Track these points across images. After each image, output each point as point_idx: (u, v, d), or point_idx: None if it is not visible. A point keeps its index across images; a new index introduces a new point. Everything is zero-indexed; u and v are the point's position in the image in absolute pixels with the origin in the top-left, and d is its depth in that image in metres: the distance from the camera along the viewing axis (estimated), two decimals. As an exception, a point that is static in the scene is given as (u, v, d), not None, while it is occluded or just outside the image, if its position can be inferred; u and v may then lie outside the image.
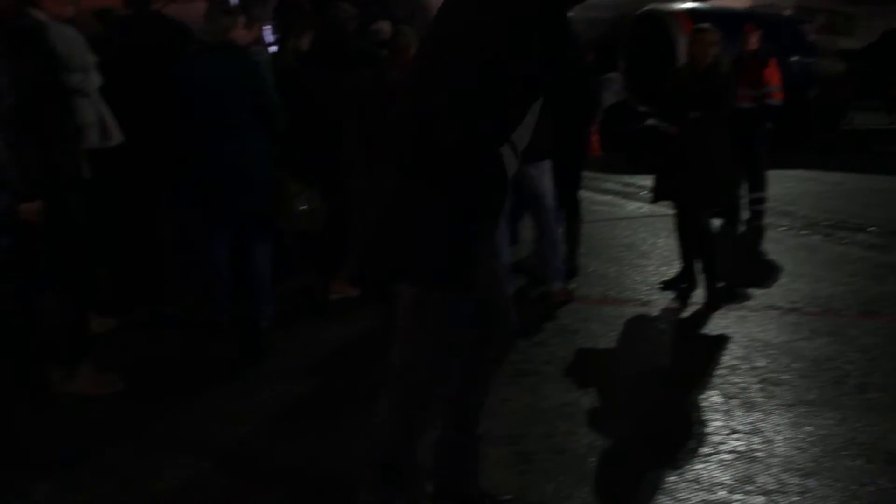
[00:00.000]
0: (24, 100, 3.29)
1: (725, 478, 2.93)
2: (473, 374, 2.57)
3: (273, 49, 5.79)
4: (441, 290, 2.24)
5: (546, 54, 2.22)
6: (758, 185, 6.78)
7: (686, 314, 4.87)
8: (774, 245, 6.29)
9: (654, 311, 4.91)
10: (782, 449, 3.14)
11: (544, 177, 4.90)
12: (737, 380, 3.81)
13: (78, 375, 3.65)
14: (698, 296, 5.01)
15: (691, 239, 5.06)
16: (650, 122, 6.09)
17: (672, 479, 2.93)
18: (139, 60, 4.45)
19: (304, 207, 4.75)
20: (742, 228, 6.67)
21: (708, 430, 3.32)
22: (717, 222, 5.10)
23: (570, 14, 2.43)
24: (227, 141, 4.21)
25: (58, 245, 3.46)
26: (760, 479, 2.92)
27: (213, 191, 4.31)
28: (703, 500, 2.78)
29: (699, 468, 3.00)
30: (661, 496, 2.82)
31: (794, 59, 9.64)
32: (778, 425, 3.34)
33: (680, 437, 3.28)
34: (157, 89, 4.39)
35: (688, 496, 2.81)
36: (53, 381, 3.65)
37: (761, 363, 4.00)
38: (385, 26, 5.52)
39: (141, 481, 2.97)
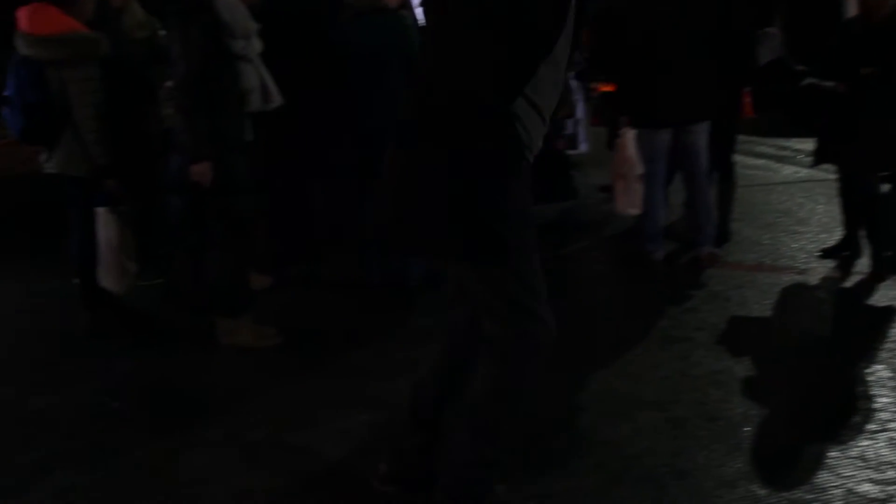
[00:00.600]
0: (193, 67, 3.49)
1: (895, 457, 2.75)
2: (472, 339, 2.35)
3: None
4: (484, 264, 2.10)
5: None
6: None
7: (848, 284, 4.59)
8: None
9: (813, 280, 4.65)
10: (960, 429, 2.92)
11: (701, 138, 4.76)
12: (907, 354, 3.57)
13: (240, 328, 3.87)
14: (862, 265, 4.71)
15: (856, 204, 4.75)
16: (810, 80, 5.74)
17: (834, 454, 2.77)
18: (296, 27, 4.59)
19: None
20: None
21: (875, 406, 3.12)
22: (884, 187, 4.73)
23: None
24: (380, 103, 4.30)
25: (223, 205, 3.66)
26: (934, 459, 2.73)
27: (367, 153, 4.42)
28: (870, 479, 2.62)
29: (865, 445, 2.83)
30: (822, 472, 2.68)
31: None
32: (955, 404, 3.11)
33: (843, 412, 3.10)
34: (312, 54, 4.53)
35: (852, 473, 2.66)
36: (218, 333, 3.89)
37: (934, 337, 3.73)
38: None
39: (294, 427, 3.10)
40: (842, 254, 4.88)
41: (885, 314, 4.08)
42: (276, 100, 3.83)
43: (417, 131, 2.11)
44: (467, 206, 2.02)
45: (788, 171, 7.36)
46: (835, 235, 5.04)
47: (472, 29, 2.02)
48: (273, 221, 4.92)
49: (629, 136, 4.69)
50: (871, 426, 2.97)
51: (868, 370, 3.44)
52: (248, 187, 3.74)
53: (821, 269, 4.78)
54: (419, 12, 5.03)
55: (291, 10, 4.70)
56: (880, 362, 3.50)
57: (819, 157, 4.81)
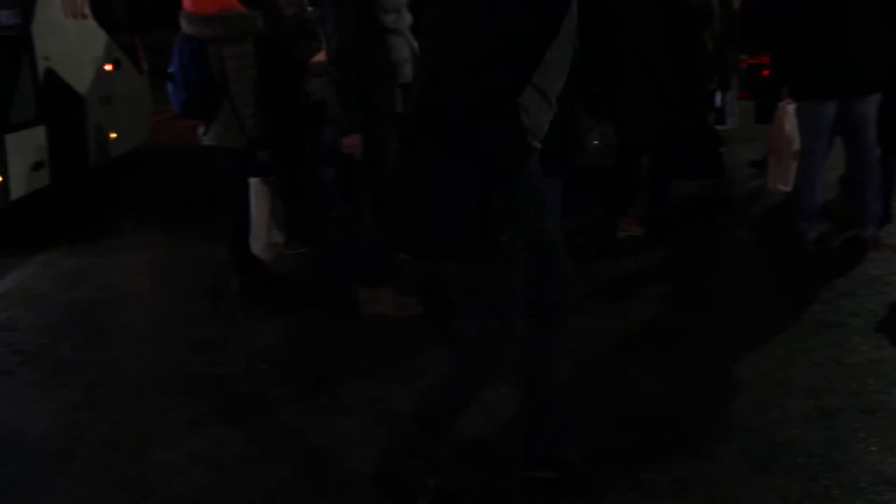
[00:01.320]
0: (346, 42, 3.57)
1: None
2: (538, 337, 2.35)
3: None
4: (468, 262, 2.09)
5: None
6: None
7: None
8: None
9: None
10: None
11: (870, 110, 4.44)
12: None
13: (382, 298, 3.96)
14: None
15: None
16: None
17: None
18: None
19: (596, 143, 4.69)
20: None
21: None
22: None
23: None
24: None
25: (373, 175, 3.74)
26: None
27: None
28: None
29: None
30: None
31: None
32: None
33: None
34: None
35: None
36: (361, 302, 4.00)
37: None
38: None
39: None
40: None
41: None
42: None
43: (418, 129, 2.04)
44: (462, 205, 1.97)
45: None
46: None
47: (473, 22, 1.95)
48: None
49: (789, 109, 4.44)
50: None
51: None
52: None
53: None
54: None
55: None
56: None
57: None
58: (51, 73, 5.90)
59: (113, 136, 7.22)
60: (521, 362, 2.40)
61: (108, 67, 7.26)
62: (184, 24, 4.06)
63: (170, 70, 4.17)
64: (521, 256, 2.13)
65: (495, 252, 2.01)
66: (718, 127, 6.50)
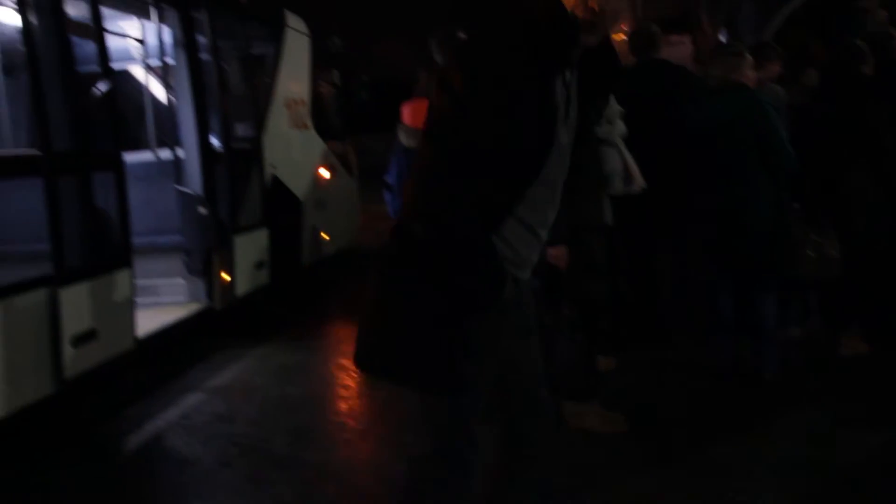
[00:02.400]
0: None
1: None
2: (501, 474, 2.24)
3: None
4: (429, 391, 2.01)
5: (544, 114, 1.91)
6: None
7: None
8: None
9: None
10: None
11: None
12: None
13: (587, 412, 3.83)
14: None
15: None
16: None
17: None
18: (649, 107, 4.59)
19: (813, 254, 4.41)
20: None
21: None
22: None
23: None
24: (732, 184, 4.16)
25: (579, 288, 3.69)
26: None
27: (718, 235, 4.27)
28: None
29: None
30: None
31: None
32: None
33: None
34: (664, 135, 4.48)
35: None
36: (564, 415, 3.88)
37: None
38: None
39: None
40: None
41: None
42: (639, 183, 3.82)
43: (397, 254, 2.00)
44: (429, 332, 1.91)
45: None
46: None
47: (453, 159, 1.89)
48: (621, 302, 4.88)
49: None
50: None
51: None
52: (604, 271, 3.74)
53: None
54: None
55: (642, 90, 4.73)
56: None
57: None
58: (275, 180, 6.42)
59: (325, 237, 7.67)
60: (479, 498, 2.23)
61: (324, 172, 7.80)
62: (402, 137, 4.26)
63: (387, 179, 4.37)
64: (485, 388, 2.05)
65: (458, 383, 1.93)
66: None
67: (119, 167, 4.45)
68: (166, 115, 6.11)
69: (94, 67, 4.46)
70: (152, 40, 5.77)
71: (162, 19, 5.55)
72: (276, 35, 6.99)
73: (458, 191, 1.86)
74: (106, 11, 4.76)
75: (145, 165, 5.96)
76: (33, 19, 3.88)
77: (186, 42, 5.51)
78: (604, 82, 2.21)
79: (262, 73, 6.85)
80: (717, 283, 4.38)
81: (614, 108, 3.78)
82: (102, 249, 4.37)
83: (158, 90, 6.32)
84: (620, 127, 3.79)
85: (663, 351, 4.91)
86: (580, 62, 2.03)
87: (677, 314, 5.09)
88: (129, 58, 6.15)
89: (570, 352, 3.83)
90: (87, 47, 4.46)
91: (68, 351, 3.93)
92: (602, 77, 2.14)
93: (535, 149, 1.92)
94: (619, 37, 12.40)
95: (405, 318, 1.93)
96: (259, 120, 6.40)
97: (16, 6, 3.80)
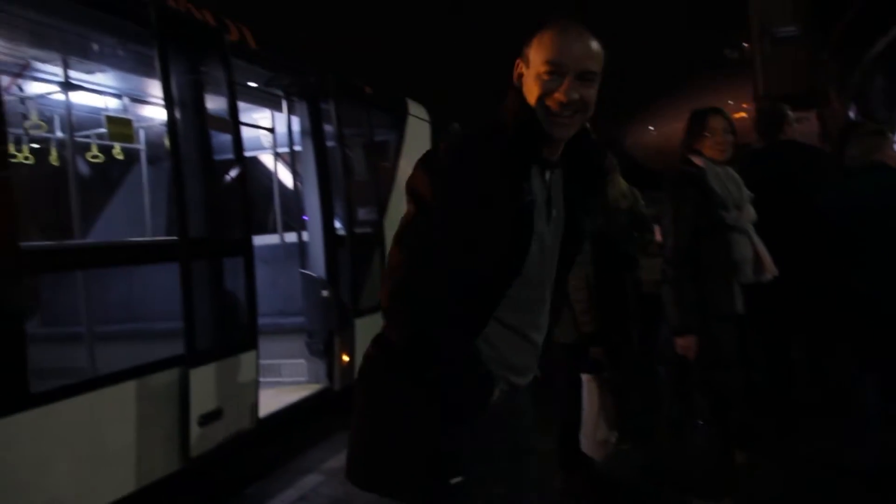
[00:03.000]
0: (683, 242, 3.50)
1: None
2: None
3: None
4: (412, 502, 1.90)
5: (518, 217, 1.83)
6: None
7: None
8: None
9: None
10: None
11: None
12: None
13: (720, 510, 3.59)
14: None
15: None
16: None
17: None
18: (779, 191, 4.41)
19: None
20: None
21: None
22: None
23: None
24: (876, 269, 3.90)
25: (710, 379, 3.52)
26: None
27: (862, 324, 4.00)
28: None
29: None
30: None
31: None
32: None
33: None
34: (798, 219, 4.28)
35: None
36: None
37: None
38: None
39: None
40: None
41: None
42: (770, 270, 3.64)
43: (383, 361, 1.92)
44: (413, 440, 1.83)
45: None
46: None
47: (421, 263, 1.80)
48: (755, 393, 4.61)
49: None
50: None
51: None
52: (735, 361, 3.56)
53: None
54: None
55: (773, 173, 4.56)
56: None
57: None
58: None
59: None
60: None
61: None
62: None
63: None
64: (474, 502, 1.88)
65: (444, 496, 1.81)
66: None
67: (249, 252, 4.62)
68: (292, 199, 6.36)
69: (229, 156, 4.69)
70: (281, 129, 6.06)
71: (291, 110, 5.83)
72: (398, 122, 7.23)
73: (428, 295, 1.78)
74: (241, 104, 5.03)
75: (272, 248, 6.19)
76: (177, 114, 4.13)
77: (314, 130, 5.75)
78: (588, 177, 2.05)
79: (384, 159, 7.06)
80: (861, 374, 4.09)
81: (743, 192, 3.66)
82: (231, 332, 4.51)
83: (285, 176, 6.60)
84: (750, 212, 3.65)
85: (800, 445, 4.58)
86: (566, 158, 1.97)
87: (815, 406, 4.76)
88: (260, 146, 6.48)
89: (701, 446, 3.63)
90: (222, 137, 4.70)
91: (195, 429, 4.03)
92: (585, 172, 2.03)
93: (508, 252, 1.84)
94: (740, 115, 12.18)
95: (387, 428, 1.88)
96: (381, 204, 6.56)
97: (163, 102, 4.06)
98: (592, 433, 4.02)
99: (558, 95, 1.83)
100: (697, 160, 3.64)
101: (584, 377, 4.03)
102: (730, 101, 13.44)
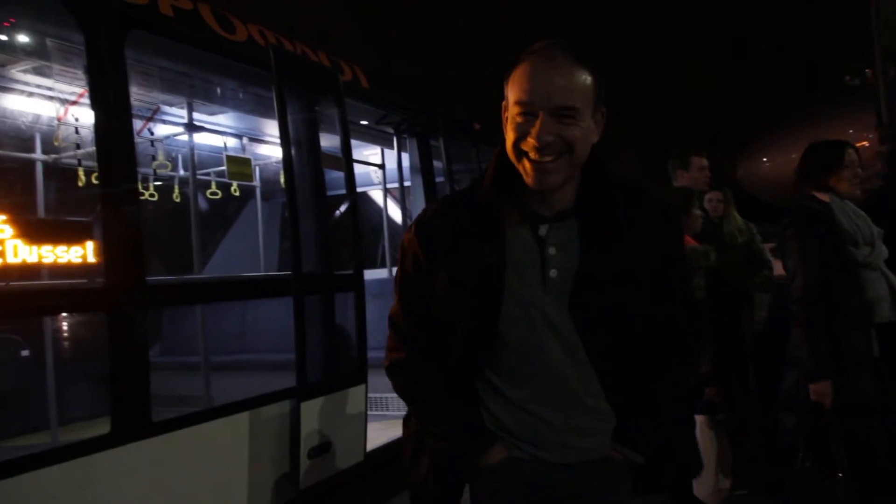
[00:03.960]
0: (812, 280, 3.33)
1: None
2: None
3: None
4: None
5: (482, 279, 1.69)
6: None
7: None
8: None
9: None
10: None
11: None
12: None
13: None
14: None
15: None
16: None
17: None
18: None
19: None
20: None
21: None
22: None
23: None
24: None
25: (847, 427, 3.32)
26: None
27: None
28: None
29: None
30: None
31: None
32: None
33: None
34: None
35: None
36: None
37: None
38: None
39: None
40: None
41: None
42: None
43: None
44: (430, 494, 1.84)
45: None
46: None
47: (398, 320, 1.90)
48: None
49: None
50: None
51: None
52: (876, 408, 3.33)
53: None
54: None
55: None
56: None
57: None
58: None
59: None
60: None
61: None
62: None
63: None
64: None
65: None
66: None
67: (360, 288, 4.68)
68: (401, 234, 6.44)
69: (340, 192, 4.80)
70: (391, 165, 6.17)
71: (401, 147, 5.93)
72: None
73: (410, 349, 1.84)
74: (353, 141, 5.15)
75: (380, 283, 6.27)
76: (293, 152, 4.27)
77: (423, 166, 5.83)
78: (602, 221, 1.71)
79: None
80: None
81: (873, 228, 3.46)
82: (342, 365, 4.57)
83: (394, 211, 6.70)
84: (882, 249, 3.44)
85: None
86: (585, 207, 1.72)
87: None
88: (370, 182, 6.61)
89: (843, 500, 3.40)
90: (335, 174, 4.82)
91: (305, 461, 4.08)
92: (609, 222, 1.71)
93: (473, 315, 1.71)
94: (862, 145, 11.60)
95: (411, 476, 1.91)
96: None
97: (279, 141, 4.20)
98: (710, 480, 3.84)
99: (530, 139, 1.61)
100: (822, 195, 3.47)
101: (698, 419, 3.87)
102: (850, 131, 12.86)
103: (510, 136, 1.66)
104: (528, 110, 1.61)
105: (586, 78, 1.62)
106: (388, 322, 1.90)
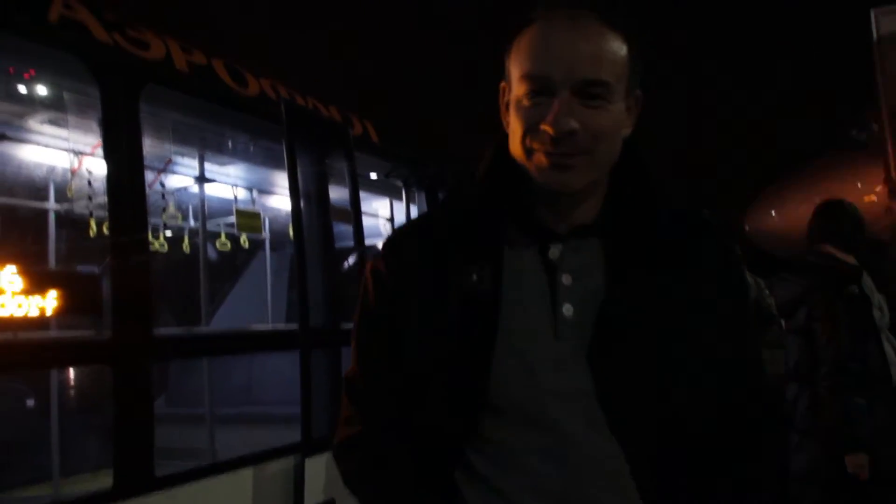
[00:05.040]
0: (843, 345, 3.28)
1: None
2: None
3: None
4: None
5: (462, 317, 1.20)
6: None
7: None
8: None
9: None
10: None
11: None
12: None
13: None
14: None
15: None
16: None
17: None
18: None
19: None
20: None
21: None
22: None
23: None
24: None
25: (880, 501, 3.23)
26: None
27: None
28: None
29: None
30: None
31: None
32: None
33: None
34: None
35: None
36: None
37: None
38: None
39: None
40: None
41: None
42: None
43: None
44: None
45: None
46: None
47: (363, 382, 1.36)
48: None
49: None
50: None
51: None
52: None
53: None
54: None
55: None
56: None
57: None
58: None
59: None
60: None
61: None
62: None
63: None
64: None
65: None
66: None
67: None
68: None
69: (349, 245, 4.81)
70: (400, 217, 6.19)
71: (410, 199, 5.96)
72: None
73: (369, 422, 1.33)
74: (362, 193, 5.18)
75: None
76: (302, 205, 4.29)
77: (431, 219, 5.84)
78: (637, 240, 1.24)
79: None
80: None
81: (876, 293, 3.43)
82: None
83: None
84: (886, 312, 3.40)
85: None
86: (612, 221, 1.25)
87: None
88: (378, 234, 6.63)
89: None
90: (344, 227, 4.83)
91: (308, 519, 4.02)
92: (631, 234, 1.24)
93: (450, 368, 1.22)
94: (870, 199, 11.57)
95: None
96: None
97: (289, 193, 4.22)
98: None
99: (545, 126, 1.14)
100: (847, 256, 3.43)
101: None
102: (858, 185, 12.88)
103: (516, 128, 1.19)
104: (541, 88, 1.15)
105: (620, 46, 1.17)
106: (343, 386, 1.37)
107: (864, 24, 5.35)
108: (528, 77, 1.17)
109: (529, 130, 1.17)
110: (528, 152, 1.19)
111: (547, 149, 1.16)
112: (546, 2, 1.20)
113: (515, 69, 1.20)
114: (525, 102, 1.18)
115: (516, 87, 1.19)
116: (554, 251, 1.23)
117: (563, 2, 1.18)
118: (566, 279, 1.21)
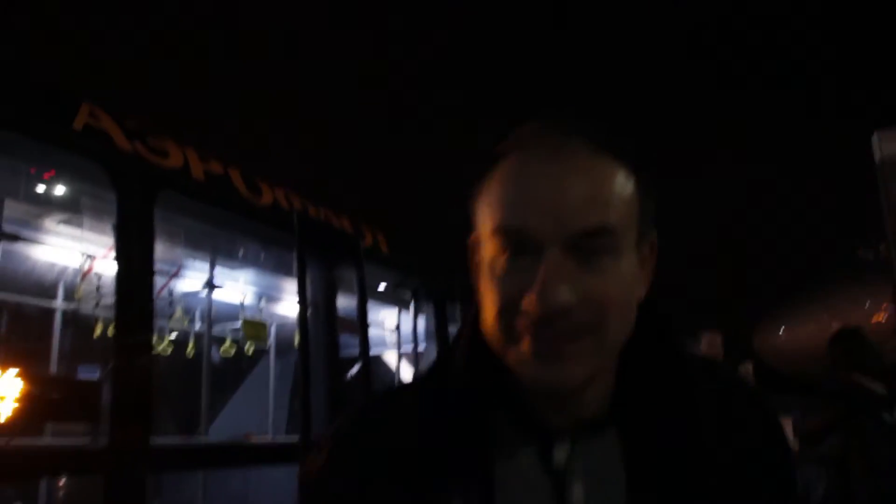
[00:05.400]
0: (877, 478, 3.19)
1: None
2: None
3: None
4: None
5: None
6: None
7: None
8: None
9: None
10: None
11: None
12: None
13: None
14: None
15: None
16: None
17: None
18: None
19: None
20: None
21: None
22: None
23: None
24: None
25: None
26: None
27: None
28: None
29: None
30: None
31: None
32: None
33: None
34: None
35: None
36: None
37: None
38: None
39: None
40: None
41: None
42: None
43: None
44: None
45: None
46: None
47: None
48: None
49: None
50: None
51: None
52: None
53: None
54: None
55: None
56: None
57: None
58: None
59: None
60: None
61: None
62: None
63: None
64: None
65: None
66: None
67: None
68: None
69: (354, 354, 4.75)
70: (406, 328, 6.15)
71: (418, 311, 5.94)
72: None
73: None
74: (370, 303, 5.16)
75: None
76: (309, 313, 4.26)
77: (438, 332, 5.80)
78: (669, 432, 0.88)
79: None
80: None
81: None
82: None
83: (406, 373, 6.62)
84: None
85: None
86: (625, 407, 0.90)
87: None
88: (384, 344, 6.58)
89: None
90: (349, 337, 4.79)
91: None
92: (660, 425, 0.88)
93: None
94: (879, 318, 11.51)
95: None
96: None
97: (298, 300, 4.20)
98: None
99: (528, 301, 0.80)
100: (876, 385, 3.37)
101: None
102: (866, 305, 12.84)
103: (488, 303, 0.84)
104: (521, 245, 0.81)
105: (625, 179, 0.84)
106: None
107: (868, 145, 5.45)
108: (502, 231, 0.82)
109: (507, 307, 0.82)
110: (507, 337, 0.83)
111: (532, 332, 0.81)
112: (522, 128, 0.87)
113: (486, 220, 0.86)
114: (500, 267, 0.83)
115: (488, 245, 0.85)
116: (559, 453, 0.89)
117: (546, 127, 0.86)
118: (578, 491, 0.88)
